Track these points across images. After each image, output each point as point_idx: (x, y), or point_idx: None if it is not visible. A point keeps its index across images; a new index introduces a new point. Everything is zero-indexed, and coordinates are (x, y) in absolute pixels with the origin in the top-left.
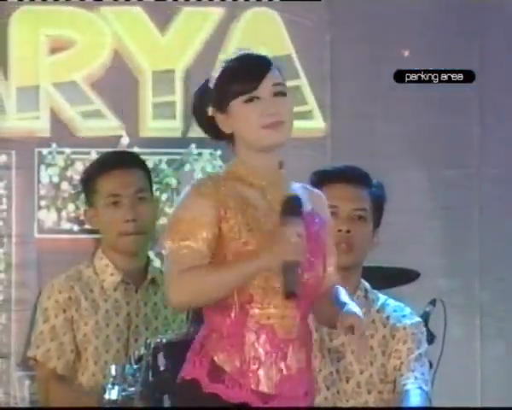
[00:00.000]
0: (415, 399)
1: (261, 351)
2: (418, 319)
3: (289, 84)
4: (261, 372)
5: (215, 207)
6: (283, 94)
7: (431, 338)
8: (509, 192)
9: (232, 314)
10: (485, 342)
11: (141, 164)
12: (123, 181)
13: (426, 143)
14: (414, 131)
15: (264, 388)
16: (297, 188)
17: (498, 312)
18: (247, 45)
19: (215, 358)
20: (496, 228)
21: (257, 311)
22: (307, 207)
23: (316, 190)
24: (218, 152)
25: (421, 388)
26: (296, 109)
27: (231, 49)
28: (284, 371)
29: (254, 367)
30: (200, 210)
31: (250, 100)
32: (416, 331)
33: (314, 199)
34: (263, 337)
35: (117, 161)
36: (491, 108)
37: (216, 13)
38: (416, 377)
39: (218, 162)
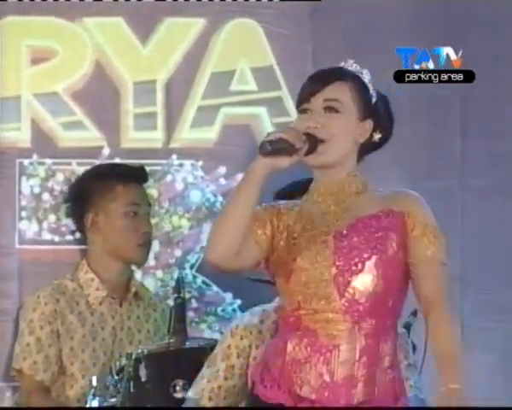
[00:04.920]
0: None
1: (302, 354)
2: (402, 329)
3: (271, 95)
4: (301, 375)
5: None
6: (334, 110)
7: (412, 349)
8: (491, 204)
9: (289, 323)
10: (466, 354)
11: (147, 182)
12: (141, 194)
13: (408, 156)
14: (396, 143)
15: (302, 391)
16: (377, 194)
17: (479, 323)
18: (229, 56)
19: (266, 360)
20: (477, 240)
21: (306, 317)
22: (380, 208)
23: (407, 194)
24: (200, 163)
25: (416, 396)
26: (278, 121)
27: (213, 60)
28: (326, 378)
29: (294, 370)
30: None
31: (303, 111)
32: (402, 342)
33: (395, 200)
34: (305, 341)
35: (136, 175)
36: (473, 120)
37: (197, 24)
38: (410, 386)
39: (200, 173)
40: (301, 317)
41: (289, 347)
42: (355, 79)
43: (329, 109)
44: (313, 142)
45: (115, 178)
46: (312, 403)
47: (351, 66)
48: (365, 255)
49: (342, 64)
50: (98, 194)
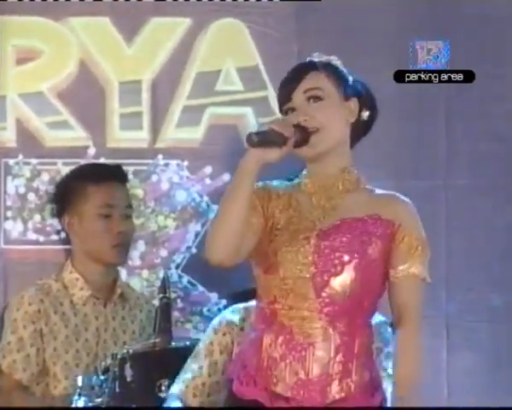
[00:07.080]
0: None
1: (277, 352)
2: (382, 318)
3: (256, 95)
4: (276, 373)
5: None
6: (318, 98)
7: None
8: (476, 204)
9: (265, 315)
10: (451, 353)
11: (127, 180)
12: (116, 193)
13: (394, 155)
14: (382, 142)
15: (277, 389)
16: (368, 194)
17: (465, 323)
18: (215, 56)
19: (242, 356)
20: (462, 240)
21: (281, 312)
22: (368, 211)
23: (397, 201)
24: (185, 163)
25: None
26: (264, 121)
27: (198, 60)
28: (301, 375)
29: (269, 367)
30: None
31: (287, 112)
32: (383, 330)
33: (385, 206)
34: (280, 338)
35: (111, 174)
36: (459, 120)
37: (183, 24)
38: (389, 375)
39: (185, 173)
40: (277, 311)
41: (265, 343)
42: (327, 65)
43: (313, 98)
44: (305, 133)
45: (87, 179)
46: (287, 401)
47: (318, 57)
48: (346, 258)
49: (309, 59)
50: (73, 195)
